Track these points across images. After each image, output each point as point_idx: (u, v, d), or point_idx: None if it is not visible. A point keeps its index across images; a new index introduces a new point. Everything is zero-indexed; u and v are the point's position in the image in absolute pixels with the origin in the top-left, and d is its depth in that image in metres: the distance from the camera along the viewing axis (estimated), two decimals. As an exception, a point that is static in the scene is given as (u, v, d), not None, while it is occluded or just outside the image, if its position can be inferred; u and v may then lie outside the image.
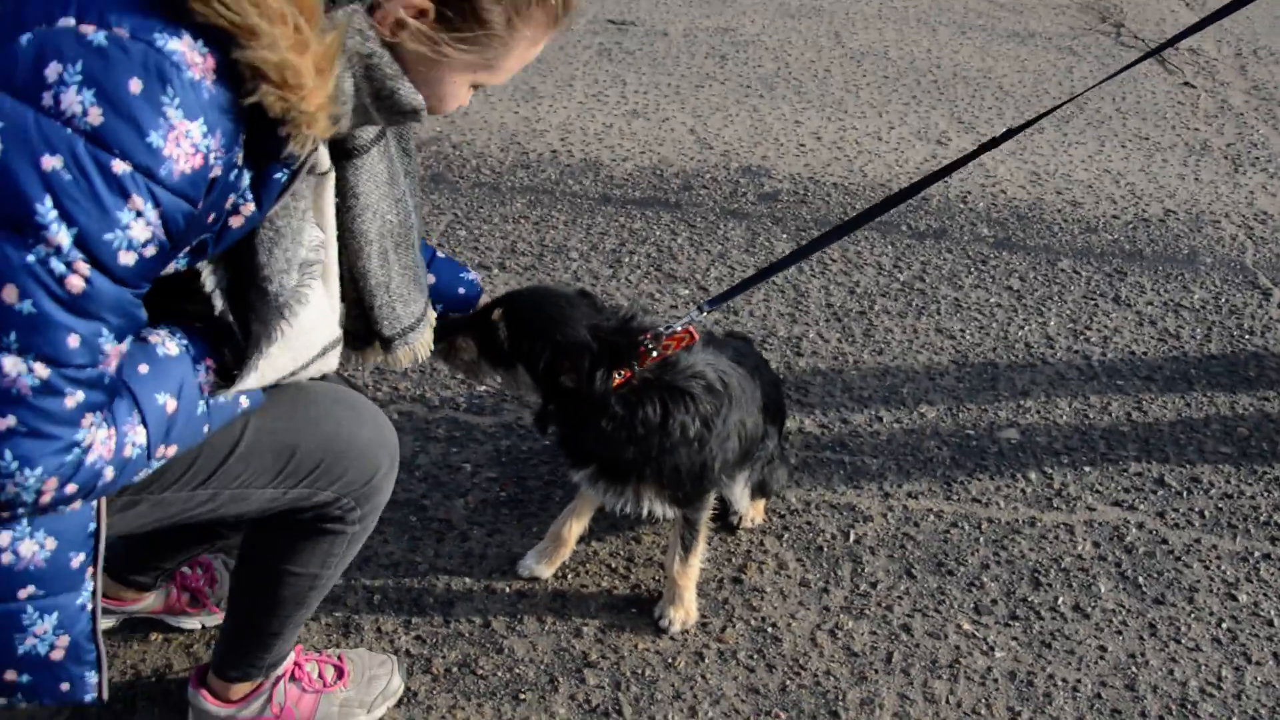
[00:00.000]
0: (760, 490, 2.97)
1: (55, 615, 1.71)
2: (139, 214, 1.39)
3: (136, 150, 1.36)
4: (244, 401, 1.83)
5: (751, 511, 3.03)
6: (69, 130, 1.34)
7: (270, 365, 1.82)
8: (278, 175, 1.58)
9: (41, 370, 1.42)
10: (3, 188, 1.33)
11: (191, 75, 1.39)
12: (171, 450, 1.70)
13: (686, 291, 4.07)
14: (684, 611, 2.75)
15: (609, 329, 2.43)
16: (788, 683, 2.62)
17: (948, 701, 2.58)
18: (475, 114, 5.43)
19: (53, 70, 1.33)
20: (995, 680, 2.63)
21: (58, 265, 1.37)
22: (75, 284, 1.39)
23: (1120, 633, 2.77)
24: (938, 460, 3.32)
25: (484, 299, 2.61)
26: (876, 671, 2.65)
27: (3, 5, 1.40)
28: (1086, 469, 3.30)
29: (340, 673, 2.49)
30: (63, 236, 1.36)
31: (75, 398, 1.46)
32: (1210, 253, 4.44)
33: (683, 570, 2.72)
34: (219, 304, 1.71)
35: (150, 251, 1.44)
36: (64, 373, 1.43)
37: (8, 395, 1.41)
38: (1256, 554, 3.02)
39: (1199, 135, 5.46)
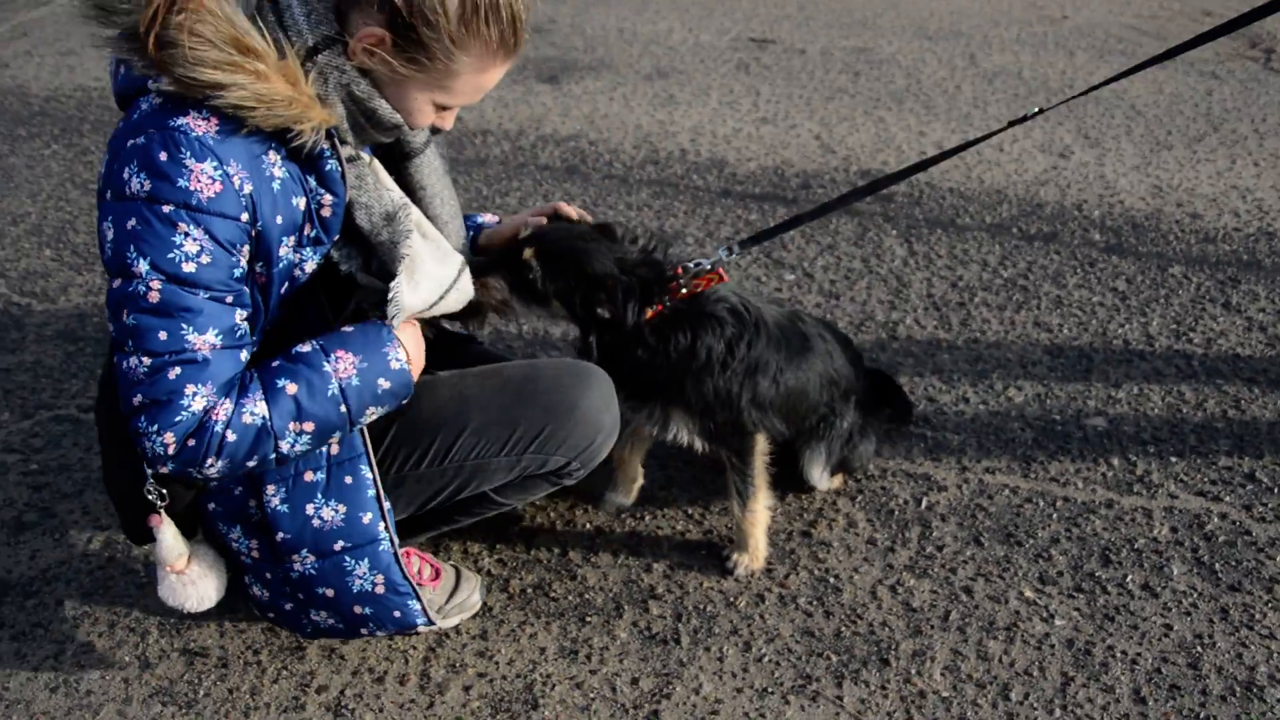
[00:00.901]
0: (843, 466, 2.96)
1: (366, 560, 2.19)
2: (186, 234, 1.86)
3: (174, 194, 1.85)
4: (383, 383, 2.07)
5: (831, 482, 3.01)
6: (136, 201, 1.86)
7: (421, 291, 2.12)
8: (329, 167, 2.00)
9: (145, 359, 1.90)
10: (114, 251, 1.88)
11: (196, 133, 1.85)
12: (309, 425, 2.01)
13: (792, 277, 4.09)
14: (749, 556, 2.77)
15: (635, 262, 2.47)
16: (843, 629, 2.61)
17: (1001, 661, 2.52)
18: (614, 116, 5.59)
19: (125, 172, 1.87)
20: (1052, 646, 2.56)
21: (140, 288, 1.87)
22: (153, 297, 1.88)
23: (1189, 614, 2.65)
24: (1019, 441, 3.24)
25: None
26: (933, 627, 2.61)
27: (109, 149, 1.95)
28: (1173, 459, 3.16)
29: (436, 574, 2.62)
30: (141, 266, 1.87)
31: (174, 372, 1.91)
32: (1336, 267, 4.18)
33: (745, 516, 2.73)
34: (361, 278, 2.14)
35: (206, 260, 1.89)
36: (161, 359, 1.90)
37: (133, 380, 1.92)
38: (1346, 551, 2.84)
39: (1340, 158, 5.15)
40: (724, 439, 2.62)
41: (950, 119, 5.57)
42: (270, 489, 2.14)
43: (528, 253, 2.45)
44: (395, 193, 2.16)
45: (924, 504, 3.00)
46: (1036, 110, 2.74)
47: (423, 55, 1.94)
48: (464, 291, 2.25)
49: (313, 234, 2.04)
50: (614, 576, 2.77)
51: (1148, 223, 4.50)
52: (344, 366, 2.02)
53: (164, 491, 2.14)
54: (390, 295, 2.06)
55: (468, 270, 2.26)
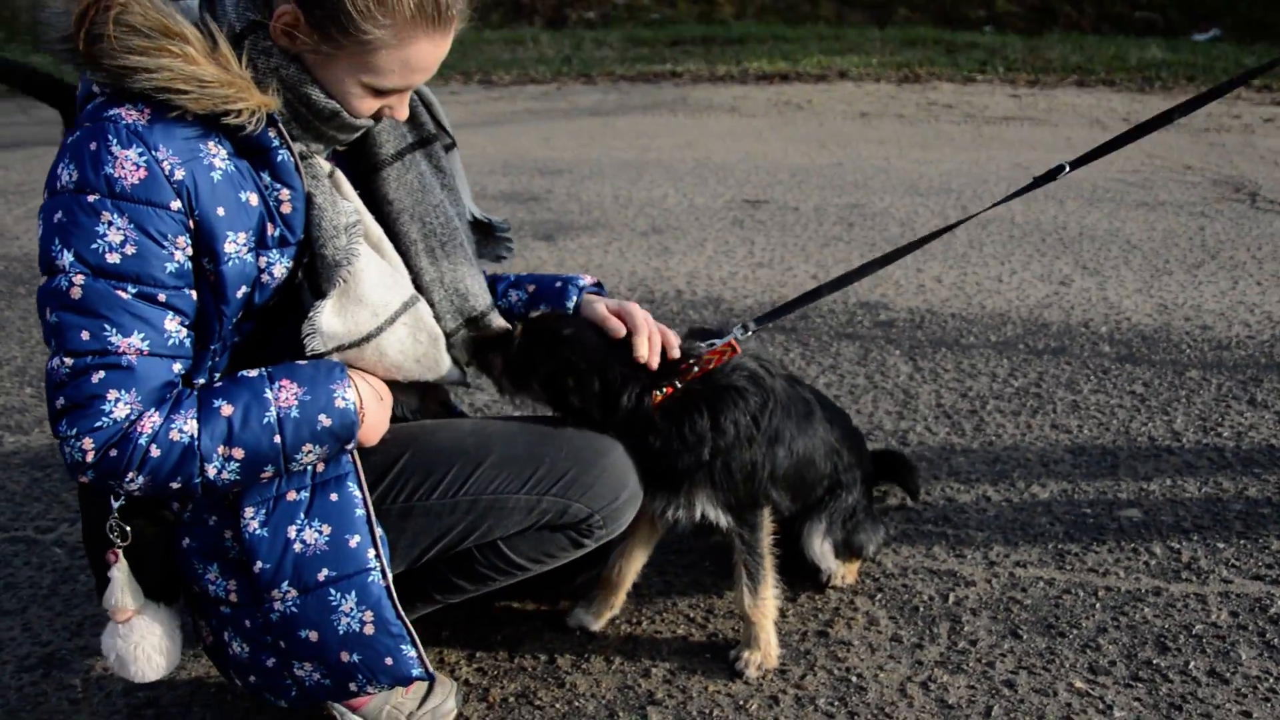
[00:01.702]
0: (848, 548, 2.67)
1: (354, 593, 1.93)
2: (110, 223, 1.74)
3: (98, 182, 1.74)
4: (324, 420, 1.89)
5: (842, 570, 2.71)
6: (64, 195, 1.76)
7: (349, 317, 1.95)
8: (280, 159, 1.88)
9: (68, 360, 1.76)
10: (42, 247, 1.77)
11: (127, 121, 1.76)
12: (238, 451, 1.83)
13: (794, 393, 3.87)
14: (761, 654, 2.43)
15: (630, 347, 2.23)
16: (870, 730, 2.25)
17: (1055, 758, 2.14)
18: (609, 265, 5.52)
19: (59, 167, 1.78)
20: (1113, 741, 2.19)
21: (64, 282, 1.74)
22: (75, 292, 1.74)
23: (1269, 699, 2.28)
24: (1049, 534, 2.93)
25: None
26: (973, 724, 2.25)
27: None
28: (1220, 545, 2.84)
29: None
30: (65, 259, 1.74)
31: (98, 375, 1.76)
32: (1360, 368, 3.96)
33: (755, 605, 2.42)
34: (307, 299, 1.96)
35: (131, 250, 1.75)
36: (83, 360, 1.76)
37: (54, 383, 1.79)
38: None
39: (1344, 277, 5.01)
40: (741, 511, 2.35)
41: (947, 258, 5.49)
42: (249, 512, 1.92)
43: (518, 330, 2.29)
44: (352, 204, 2.00)
45: (951, 599, 2.67)
46: (1066, 169, 2.51)
47: (335, 30, 1.81)
48: (418, 329, 2.06)
49: (277, 233, 1.90)
50: (607, 683, 2.42)
51: (1157, 335, 4.31)
52: (286, 396, 1.86)
53: (126, 529, 1.93)
54: (310, 315, 1.91)
55: (423, 305, 2.09)
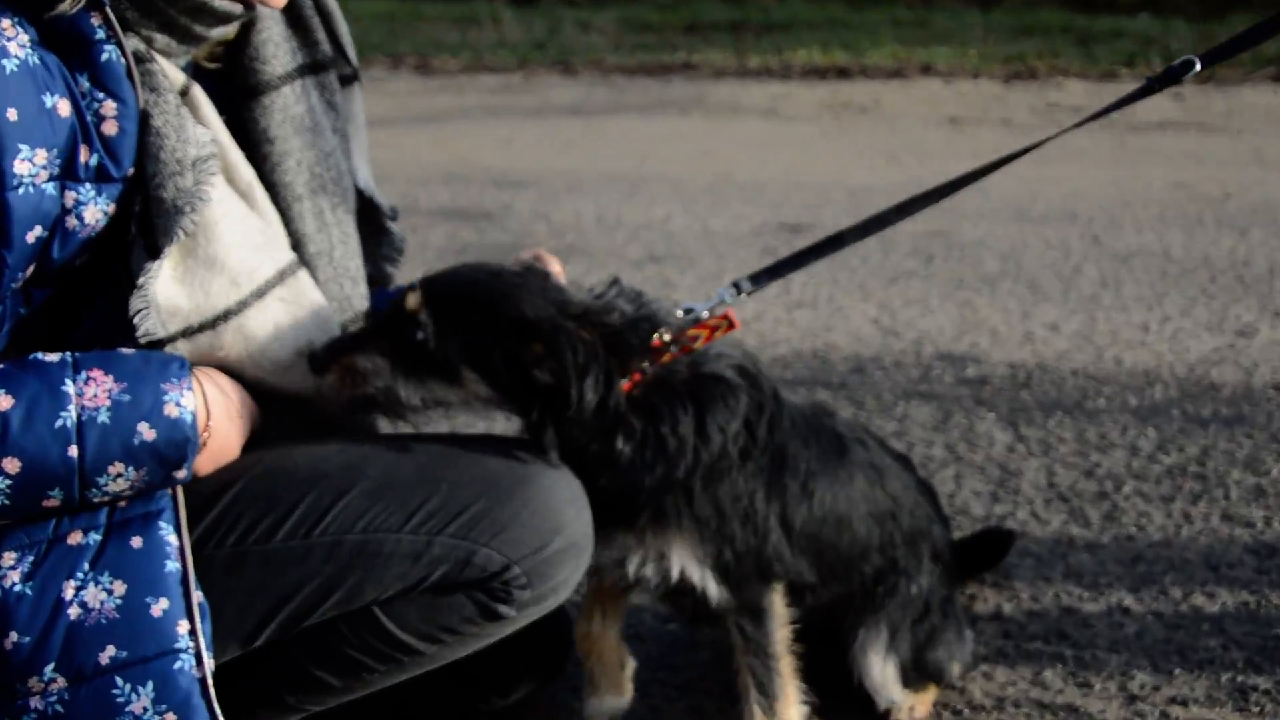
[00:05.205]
0: (920, 669, 2.61)
1: (151, 685, 1.86)
2: None
3: None
4: (146, 431, 1.88)
5: (910, 701, 2.64)
6: None
7: (197, 286, 2.00)
8: (105, 57, 1.90)
9: None
10: None
11: None
12: (11, 463, 1.80)
13: (841, 468, 3.82)
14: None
15: (590, 308, 2.20)
16: None
17: None
18: (582, 299, 5.53)
19: None
20: None
21: None
22: None
23: None
24: (1222, 661, 2.84)
25: None
26: None
27: None
28: None
29: None
30: None
31: None
32: None
33: (770, 729, 2.36)
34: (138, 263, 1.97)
35: None
36: None
37: None
38: None
39: None
40: (741, 581, 2.30)
41: (1068, 300, 5.50)
42: (8, 558, 1.88)
43: (413, 300, 2.18)
44: (210, 133, 2.03)
45: (1069, 748, 2.55)
46: (1197, 65, 2.55)
47: None
48: (298, 306, 2.11)
49: (94, 161, 1.92)
50: None
51: (1379, 401, 4.26)
52: (94, 392, 1.86)
53: None
54: (140, 282, 1.93)
55: (305, 275, 2.13)
